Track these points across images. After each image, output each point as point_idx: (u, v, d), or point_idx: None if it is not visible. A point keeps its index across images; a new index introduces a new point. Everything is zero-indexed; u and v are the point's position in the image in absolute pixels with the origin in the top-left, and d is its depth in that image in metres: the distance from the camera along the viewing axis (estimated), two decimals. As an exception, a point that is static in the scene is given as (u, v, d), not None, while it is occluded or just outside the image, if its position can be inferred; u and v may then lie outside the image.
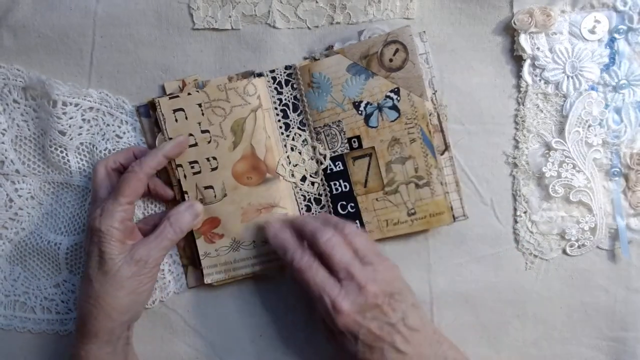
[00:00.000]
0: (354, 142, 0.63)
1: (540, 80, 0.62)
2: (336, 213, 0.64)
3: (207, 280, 0.64)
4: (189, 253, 0.65)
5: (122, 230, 0.58)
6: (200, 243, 0.64)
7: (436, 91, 0.62)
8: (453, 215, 0.62)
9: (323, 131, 0.63)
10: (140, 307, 0.61)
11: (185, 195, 0.63)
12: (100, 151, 0.64)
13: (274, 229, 0.59)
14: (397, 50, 0.60)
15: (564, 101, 0.62)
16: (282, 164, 0.63)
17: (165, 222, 0.60)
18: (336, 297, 0.53)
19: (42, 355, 0.66)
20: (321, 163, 0.64)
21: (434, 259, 0.65)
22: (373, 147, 0.62)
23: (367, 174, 0.63)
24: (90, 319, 0.57)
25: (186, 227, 0.61)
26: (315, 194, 0.64)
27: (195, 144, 0.62)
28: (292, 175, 0.64)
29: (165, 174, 0.63)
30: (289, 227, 0.59)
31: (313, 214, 0.64)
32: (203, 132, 0.62)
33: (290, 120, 0.64)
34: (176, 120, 0.62)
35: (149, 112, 0.64)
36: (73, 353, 0.59)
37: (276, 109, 0.63)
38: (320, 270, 0.55)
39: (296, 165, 0.64)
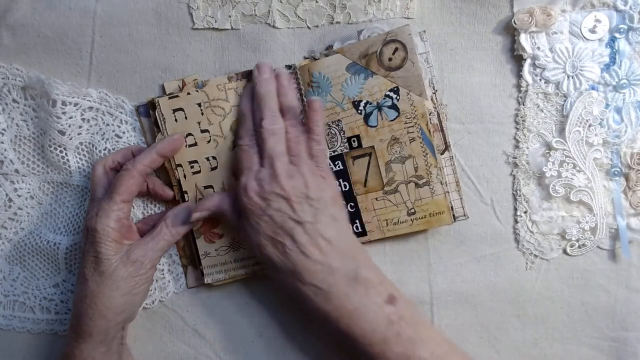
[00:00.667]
0: (354, 141, 0.63)
1: (540, 79, 0.62)
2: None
3: (207, 280, 0.64)
4: (188, 253, 0.65)
5: (118, 229, 0.58)
6: (200, 243, 0.64)
7: (436, 90, 0.62)
8: (453, 215, 0.62)
9: (323, 131, 0.63)
10: (135, 308, 0.61)
11: (185, 195, 0.63)
12: (100, 151, 0.64)
13: (246, 92, 0.61)
14: (396, 49, 0.60)
15: (565, 101, 0.62)
16: (281, 164, 0.63)
17: (162, 223, 0.60)
18: (248, 176, 0.57)
19: (41, 355, 0.66)
20: (321, 163, 0.64)
21: (434, 259, 0.65)
22: (373, 147, 0.62)
23: (367, 173, 0.63)
24: (85, 318, 0.57)
25: (183, 229, 0.61)
26: (314, 194, 0.64)
27: (195, 144, 0.62)
28: (292, 174, 0.64)
29: (165, 174, 0.63)
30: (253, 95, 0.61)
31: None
32: (202, 131, 0.62)
33: (290, 120, 0.64)
34: (176, 120, 0.62)
35: (148, 112, 0.64)
36: (67, 352, 0.59)
37: (276, 108, 0.63)
38: (252, 155, 0.58)
39: (296, 164, 0.64)
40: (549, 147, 0.63)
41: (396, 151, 0.62)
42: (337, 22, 0.63)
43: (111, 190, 0.58)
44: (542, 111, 0.63)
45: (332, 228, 0.56)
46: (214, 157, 0.62)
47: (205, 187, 0.63)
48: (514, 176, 0.64)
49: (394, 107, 0.61)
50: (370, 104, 0.62)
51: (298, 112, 0.61)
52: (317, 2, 0.63)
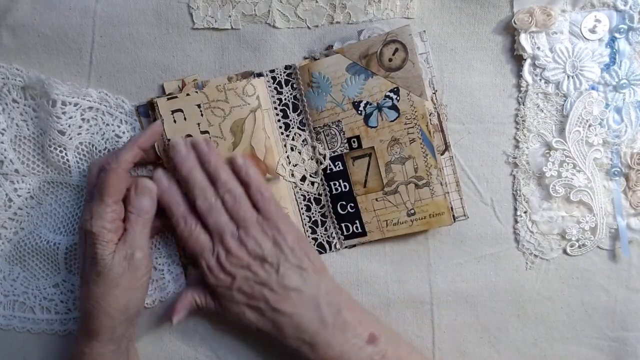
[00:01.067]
0: (354, 142, 0.63)
1: (540, 79, 0.62)
2: (336, 213, 0.64)
3: (207, 280, 0.64)
4: (188, 253, 0.65)
5: (113, 230, 0.58)
6: (200, 243, 0.64)
7: (436, 91, 0.62)
8: (453, 216, 0.62)
9: (323, 131, 0.63)
10: (140, 303, 0.61)
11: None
12: (100, 151, 0.64)
13: (162, 185, 0.60)
14: (396, 50, 0.60)
15: (565, 101, 0.62)
16: (282, 164, 0.63)
17: (126, 211, 0.59)
18: (209, 261, 0.58)
19: (41, 355, 0.66)
20: (321, 163, 0.64)
21: (434, 259, 0.65)
22: (373, 147, 0.62)
23: (367, 174, 0.63)
24: (91, 319, 0.57)
25: (147, 206, 0.59)
26: (315, 194, 0.64)
27: (195, 145, 0.62)
28: (292, 175, 0.64)
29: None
30: (176, 183, 0.60)
31: (312, 214, 0.64)
32: (202, 133, 0.62)
33: (290, 120, 0.64)
34: (175, 121, 0.62)
35: (148, 112, 0.64)
36: (77, 350, 0.59)
37: (276, 108, 0.63)
38: (199, 238, 0.59)
39: (296, 165, 0.64)
40: (549, 147, 0.63)
41: (396, 152, 0.62)
42: (337, 22, 0.63)
43: (99, 192, 0.57)
44: (542, 111, 0.63)
45: (298, 278, 0.58)
46: (214, 158, 0.62)
47: (206, 188, 0.63)
48: (514, 176, 0.64)
49: (394, 107, 0.61)
50: (371, 104, 0.62)
51: (227, 173, 0.60)
52: (317, 2, 0.63)
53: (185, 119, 0.62)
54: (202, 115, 0.62)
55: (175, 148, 0.60)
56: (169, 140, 0.62)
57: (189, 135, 0.62)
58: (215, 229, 0.58)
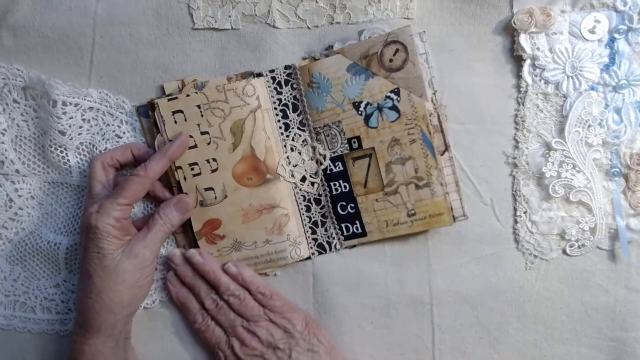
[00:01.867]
0: (354, 142, 0.63)
1: (540, 80, 0.62)
2: (336, 213, 0.64)
3: (208, 280, 0.64)
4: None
5: (118, 228, 0.58)
6: (202, 244, 0.64)
7: (436, 91, 0.62)
8: (453, 216, 0.62)
9: (323, 131, 0.63)
10: (140, 301, 0.62)
11: None
12: (100, 151, 0.64)
13: (174, 289, 0.64)
14: (397, 51, 0.60)
15: (564, 101, 0.62)
16: (282, 165, 0.63)
17: (156, 215, 0.61)
18: (223, 350, 0.62)
19: (42, 355, 0.66)
20: (321, 163, 0.64)
21: (434, 259, 0.65)
22: (373, 148, 0.62)
23: (367, 174, 0.63)
24: (92, 314, 0.58)
25: (177, 221, 0.62)
26: (315, 195, 0.64)
27: (195, 146, 0.62)
28: (292, 175, 0.64)
29: (165, 175, 0.63)
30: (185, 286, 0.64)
31: (313, 214, 0.64)
32: (202, 133, 0.62)
33: (290, 121, 0.64)
34: (175, 122, 0.62)
35: (148, 112, 0.64)
36: (75, 348, 0.59)
37: (276, 109, 0.63)
38: (215, 331, 0.62)
39: (296, 165, 0.64)
40: (548, 147, 0.63)
41: (396, 152, 0.62)
42: (337, 23, 0.63)
43: (117, 192, 0.58)
44: (542, 111, 0.63)
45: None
46: (214, 159, 0.62)
47: (206, 189, 0.63)
48: (514, 176, 0.64)
49: (394, 108, 0.61)
50: (371, 105, 0.62)
51: (226, 278, 0.63)
52: (317, 2, 0.63)
53: (185, 119, 0.62)
54: (202, 115, 0.62)
55: (173, 259, 0.64)
56: (170, 140, 0.62)
57: (190, 136, 0.62)
58: (226, 324, 0.62)
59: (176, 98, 0.62)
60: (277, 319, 0.62)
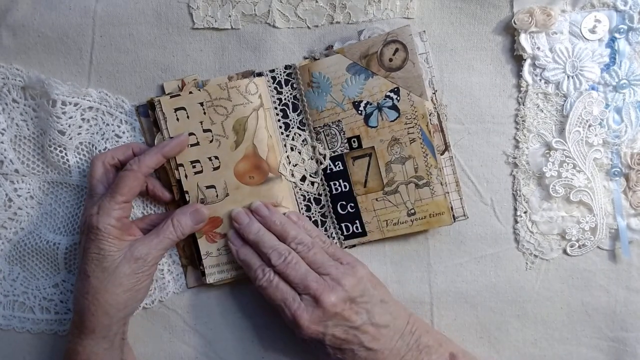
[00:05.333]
0: (354, 142, 0.63)
1: (540, 79, 0.62)
2: (336, 213, 0.64)
3: (209, 280, 0.64)
4: (188, 253, 0.65)
5: (119, 227, 0.58)
6: (202, 243, 0.64)
7: (436, 91, 0.62)
8: (453, 216, 0.62)
9: (323, 131, 0.63)
10: (137, 304, 0.61)
11: (186, 195, 0.63)
12: (100, 151, 0.64)
13: (235, 247, 0.61)
14: (396, 50, 0.60)
15: (565, 101, 0.62)
16: (283, 164, 0.63)
17: (169, 222, 0.60)
18: (295, 312, 0.56)
19: (41, 355, 0.66)
20: (321, 163, 0.64)
21: (434, 259, 0.65)
22: (373, 147, 0.62)
23: (367, 174, 0.63)
24: (87, 315, 0.57)
25: (188, 230, 0.61)
26: (315, 194, 0.64)
27: (197, 144, 0.62)
28: (292, 175, 0.64)
29: (165, 174, 0.63)
30: (248, 244, 0.61)
31: (313, 214, 0.64)
32: (205, 131, 0.62)
33: (290, 120, 0.64)
34: (177, 120, 0.62)
35: (148, 112, 0.64)
36: (70, 348, 0.59)
37: (276, 108, 0.63)
38: (280, 286, 0.58)
39: (296, 165, 0.64)
40: (548, 147, 0.63)
41: (396, 152, 0.62)
42: (337, 22, 0.63)
43: (113, 190, 0.58)
44: (542, 111, 0.63)
45: (385, 313, 0.58)
46: (216, 157, 0.62)
47: (207, 187, 0.63)
48: (514, 176, 0.64)
49: (394, 107, 0.61)
50: (371, 104, 0.62)
51: (294, 228, 0.60)
52: (317, 2, 0.63)
53: (188, 117, 0.62)
54: (204, 113, 0.62)
55: (238, 219, 0.61)
56: (171, 137, 0.62)
57: (192, 134, 0.62)
58: (297, 280, 0.57)
59: (179, 95, 0.62)
60: (346, 268, 0.58)
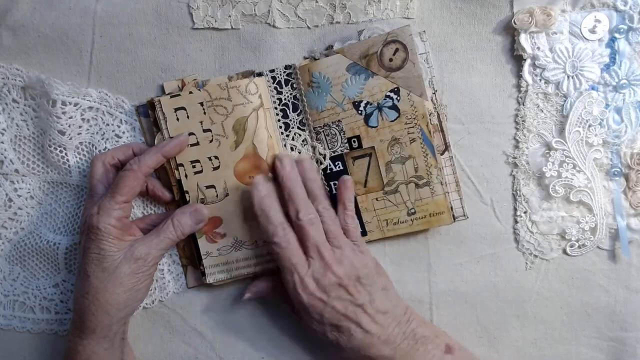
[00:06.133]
0: (354, 142, 0.63)
1: (540, 79, 0.62)
2: (336, 213, 0.64)
3: (209, 280, 0.64)
4: (188, 253, 0.65)
5: (119, 227, 0.58)
6: (202, 243, 0.64)
7: (436, 91, 0.62)
8: (453, 215, 0.62)
9: (323, 131, 0.63)
10: (137, 303, 0.61)
11: (186, 195, 0.63)
12: (100, 150, 0.64)
13: (260, 193, 0.59)
14: (396, 50, 0.60)
15: (565, 101, 0.62)
16: (282, 164, 0.63)
17: (169, 222, 0.60)
18: (304, 276, 0.57)
19: (41, 355, 0.66)
20: (321, 163, 0.64)
21: (434, 259, 0.65)
22: (373, 147, 0.62)
23: (367, 173, 0.63)
24: (87, 314, 0.57)
25: (189, 230, 0.61)
26: (315, 194, 0.64)
27: (197, 143, 0.62)
28: (292, 175, 0.64)
29: (164, 174, 0.63)
30: (275, 192, 0.60)
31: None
32: (205, 131, 0.62)
33: (290, 120, 0.64)
34: (177, 119, 0.62)
35: (148, 112, 0.64)
36: (70, 348, 0.59)
37: (276, 108, 0.63)
38: (295, 249, 0.57)
39: (296, 165, 0.64)
40: (548, 147, 0.63)
41: (396, 152, 0.62)
42: (337, 22, 0.63)
43: (113, 190, 0.58)
44: (542, 111, 0.63)
45: (386, 300, 0.59)
46: (216, 157, 0.62)
47: (207, 187, 0.63)
48: (514, 176, 0.64)
49: (394, 107, 0.61)
50: (371, 104, 0.62)
51: (325, 194, 0.61)
52: (317, 2, 0.63)
53: (188, 117, 0.62)
54: (204, 113, 0.62)
55: (282, 162, 0.60)
56: (171, 137, 0.62)
57: (192, 134, 0.62)
58: (314, 243, 0.57)
59: (179, 95, 0.62)
60: (358, 250, 0.59)
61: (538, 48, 0.62)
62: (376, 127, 0.62)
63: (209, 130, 0.62)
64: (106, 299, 0.57)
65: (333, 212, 0.60)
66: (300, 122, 0.64)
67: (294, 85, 0.63)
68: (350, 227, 0.60)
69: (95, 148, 0.64)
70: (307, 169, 0.61)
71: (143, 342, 0.66)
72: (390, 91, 0.61)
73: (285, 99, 0.63)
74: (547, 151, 0.63)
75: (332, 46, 0.63)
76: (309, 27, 0.63)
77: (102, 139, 0.64)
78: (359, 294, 0.57)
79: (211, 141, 0.62)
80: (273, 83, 0.63)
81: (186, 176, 0.63)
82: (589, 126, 0.62)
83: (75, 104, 0.63)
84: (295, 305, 0.59)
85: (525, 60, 0.62)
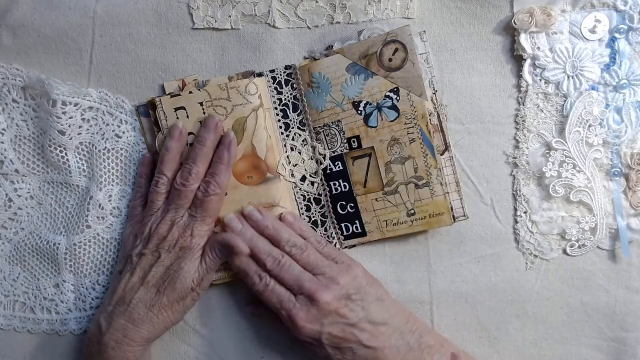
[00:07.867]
0: (354, 142, 0.63)
1: (540, 79, 0.62)
2: (336, 213, 0.64)
3: (209, 279, 0.64)
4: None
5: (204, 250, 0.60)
6: (201, 242, 0.64)
7: (436, 91, 0.62)
8: (453, 216, 0.62)
9: (322, 131, 0.63)
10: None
11: None
12: (100, 150, 0.64)
13: (230, 248, 0.60)
14: (396, 50, 0.60)
15: (565, 101, 0.62)
16: (282, 164, 0.63)
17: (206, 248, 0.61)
18: (290, 311, 0.57)
19: (41, 355, 0.66)
20: (321, 163, 0.64)
21: (434, 259, 0.65)
22: (372, 147, 0.62)
23: (367, 174, 0.63)
24: (147, 325, 0.59)
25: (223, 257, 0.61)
26: (314, 194, 0.64)
27: (196, 143, 0.62)
28: (292, 175, 0.64)
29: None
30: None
31: (312, 214, 0.64)
32: None
33: (290, 120, 0.64)
34: (177, 119, 0.62)
35: (148, 112, 0.64)
36: (102, 350, 0.59)
37: (276, 108, 0.63)
38: (276, 289, 0.58)
39: (296, 165, 0.64)
40: (548, 147, 0.63)
41: (396, 152, 0.62)
42: (337, 22, 0.63)
43: (204, 214, 0.60)
44: (542, 111, 0.63)
45: (382, 311, 0.59)
46: (215, 157, 0.62)
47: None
48: (514, 176, 0.64)
49: (393, 107, 0.61)
50: (370, 104, 0.62)
51: (286, 231, 0.61)
52: (317, 2, 0.63)
53: (187, 116, 0.62)
54: (204, 113, 0.62)
55: (231, 225, 0.61)
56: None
57: (192, 134, 0.62)
58: (292, 281, 0.58)
59: (179, 95, 0.62)
60: (341, 267, 0.59)
61: (538, 48, 0.62)
62: (376, 127, 0.62)
63: (209, 130, 0.62)
64: (168, 314, 0.60)
65: (301, 243, 0.60)
66: (300, 122, 0.64)
67: (294, 86, 0.63)
68: (323, 250, 0.61)
69: (95, 148, 0.64)
70: (256, 219, 0.61)
71: (143, 342, 0.66)
72: (390, 91, 0.61)
73: (285, 99, 0.63)
74: (547, 151, 0.63)
75: (332, 46, 0.63)
76: (309, 27, 0.63)
77: (102, 138, 0.64)
78: (352, 313, 0.57)
79: None
80: (273, 83, 0.63)
81: (186, 176, 0.63)
82: (589, 126, 0.62)
83: (75, 104, 0.63)
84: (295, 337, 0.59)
85: (525, 60, 0.62)
